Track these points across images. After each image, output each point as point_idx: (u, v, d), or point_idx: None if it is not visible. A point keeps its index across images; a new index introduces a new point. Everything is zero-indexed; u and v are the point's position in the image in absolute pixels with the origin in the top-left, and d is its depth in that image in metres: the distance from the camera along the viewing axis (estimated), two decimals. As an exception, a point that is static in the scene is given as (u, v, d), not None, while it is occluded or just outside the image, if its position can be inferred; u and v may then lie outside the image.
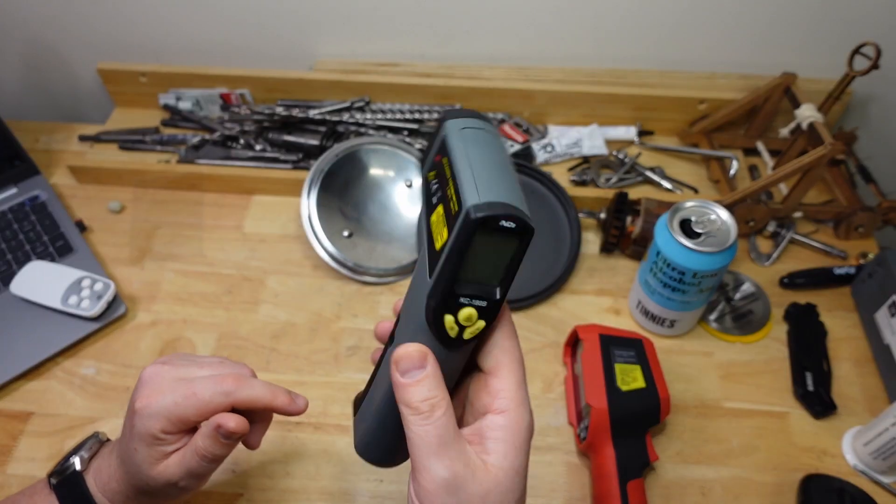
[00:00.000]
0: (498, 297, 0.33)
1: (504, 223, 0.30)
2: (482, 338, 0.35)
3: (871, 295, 0.70)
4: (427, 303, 0.32)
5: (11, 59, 0.94)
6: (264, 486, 0.59)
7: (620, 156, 0.85)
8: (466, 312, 0.32)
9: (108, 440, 0.50)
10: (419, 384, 0.33)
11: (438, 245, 0.32)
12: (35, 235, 0.76)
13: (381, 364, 0.37)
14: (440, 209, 0.32)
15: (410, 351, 0.33)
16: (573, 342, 0.66)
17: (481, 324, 0.33)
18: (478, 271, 0.32)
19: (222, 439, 0.42)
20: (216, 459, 0.43)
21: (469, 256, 0.31)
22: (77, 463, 0.46)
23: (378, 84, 0.87)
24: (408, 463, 0.34)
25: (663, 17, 0.84)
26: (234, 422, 0.42)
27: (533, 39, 0.88)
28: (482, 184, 0.31)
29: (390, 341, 0.37)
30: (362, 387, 0.40)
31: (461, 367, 0.36)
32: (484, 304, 0.32)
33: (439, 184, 0.33)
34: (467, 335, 0.33)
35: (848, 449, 0.62)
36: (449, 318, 0.32)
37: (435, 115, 0.87)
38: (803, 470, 0.60)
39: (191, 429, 0.43)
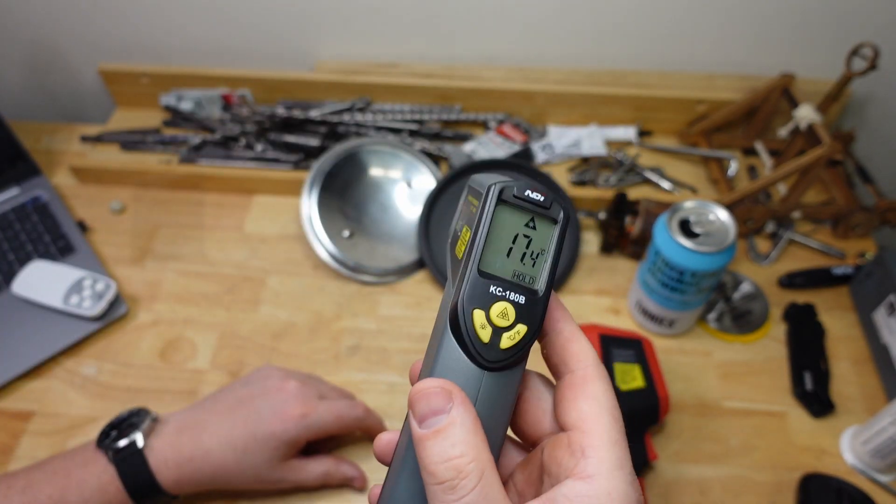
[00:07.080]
0: (539, 290, 0.27)
1: (531, 194, 0.27)
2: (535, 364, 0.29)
3: (869, 295, 0.70)
4: (452, 307, 0.27)
5: (13, 59, 0.94)
6: (265, 485, 0.59)
7: (619, 156, 0.86)
8: (500, 307, 0.26)
9: (158, 417, 0.53)
10: (438, 436, 0.23)
11: (461, 252, 0.28)
12: (37, 235, 0.76)
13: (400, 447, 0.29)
14: (465, 230, 0.29)
15: (428, 386, 0.24)
16: (573, 342, 0.66)
17: (522, 329, 0.26)
18: (510, 259, 0.27)
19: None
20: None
21: (496, 236, 0.27)
22: (139, 440, 0.49)
23: (378, 85, 0.87)
24: None
25: (662, 17, 0.84)
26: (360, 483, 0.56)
27: (532, 40, 0.88)
28: (500, 177, 0.29)
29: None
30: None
31: (509, 408, 0.28)
32: (521, 298, 0.27)
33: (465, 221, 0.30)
34: (506, 343, 0.26)
35: (846, 448, 0.62)
36: (479, 315, 0.26)
37: (434, 117, 0.88)
38: (802, 469, 0.60)
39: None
